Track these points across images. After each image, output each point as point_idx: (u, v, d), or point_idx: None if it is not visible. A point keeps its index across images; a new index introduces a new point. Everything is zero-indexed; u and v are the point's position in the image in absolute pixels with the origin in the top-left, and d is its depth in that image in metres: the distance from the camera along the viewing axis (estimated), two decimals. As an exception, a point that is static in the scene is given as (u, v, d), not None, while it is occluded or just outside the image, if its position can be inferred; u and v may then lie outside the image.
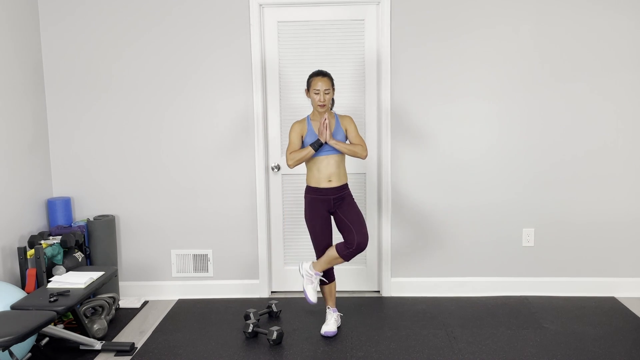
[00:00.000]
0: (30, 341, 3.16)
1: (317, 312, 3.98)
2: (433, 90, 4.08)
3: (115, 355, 3.40)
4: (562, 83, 4.05)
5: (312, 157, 3.50)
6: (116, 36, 4.09)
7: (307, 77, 3.56)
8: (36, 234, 3.87)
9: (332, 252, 3.53)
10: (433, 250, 4.26)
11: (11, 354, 2.76)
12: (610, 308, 3.99)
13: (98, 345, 3.44)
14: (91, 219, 4.15)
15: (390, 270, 4.26)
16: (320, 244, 3.60)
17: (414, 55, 4.05)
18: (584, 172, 4.13)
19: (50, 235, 3.82)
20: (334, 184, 3.52)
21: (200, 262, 4.32)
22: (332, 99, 3.58)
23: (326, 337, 3.59)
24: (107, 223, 4.09)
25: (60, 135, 4.19)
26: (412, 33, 4.03)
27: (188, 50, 4.09)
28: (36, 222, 3.98)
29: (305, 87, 3.56)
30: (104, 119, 4.17)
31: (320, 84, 3.45)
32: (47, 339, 3.46)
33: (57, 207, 4.02)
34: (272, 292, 4.41)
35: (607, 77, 4.04)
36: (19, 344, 3.02)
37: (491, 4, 3.99)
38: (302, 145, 3.52)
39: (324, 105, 3.47)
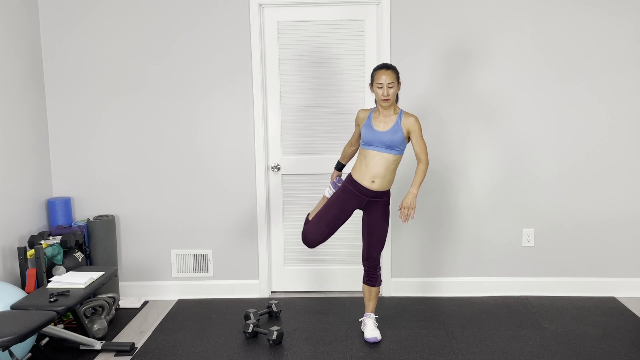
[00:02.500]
0: (30, 341, 3.16)
1: (317, 312, 3.98)
2: (433, 91, 4.08)
3: (115, 355, 3.40)
4: (562, 84, 4.05)
5: (363, 147, 3.37)
6: (116, 37, 4.09)
7: (372, 70, 3.40)
8: (36, 234, 3.87)
9: (364, 290, 3.60)
10: (433, 250, 4.26)
11: (11, 354, 2.76)
12: (610, 308, 3.99)
13: (98, 345, 3.44)
14: (91, 219, 4.15)
15: (390, 270, 4.26)
16: (319, 228, 3.40)
17: (414, 55, 4.05)
18: (584, 172, 4.13)
19: (50, 235, 3.82)
20: (376, 187, 3.36)
21: (200, 262, 4.32)
22: (397, 94, 3.36)
23: (327, 338, 3.58)
24: (107, 223, 4.09)
25: (60, 135, 4.19)
26: (412, 33, 4.03)
27: (188, 51, 4.09)
28: (36, 222, 3.98)
29: (369, 81, 3.39)
30: (104, 119, 4.17)
31: (384, 77, 3.25)
32: (47, 339, 3.46)
33: (57, 207, 4.02)
34: (272, 292, 4.41)
35: (606, 79, 4.04)
36: (19, 344, 3.02)
37: (492, 6, 3.99)
38: (361, 133, 3.36)
39: (388, 99, 3.27)
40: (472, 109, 4.10)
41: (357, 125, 3.46)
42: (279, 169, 4.25)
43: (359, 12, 4.07)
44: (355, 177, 3.41)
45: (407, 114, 3.35)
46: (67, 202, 4.08)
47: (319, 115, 4.18)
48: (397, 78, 3.31)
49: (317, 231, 3.42)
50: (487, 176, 4.17)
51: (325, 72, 4.13)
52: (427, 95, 4.09)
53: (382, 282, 3.71)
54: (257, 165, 4.18)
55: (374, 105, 3.53)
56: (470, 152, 4.15)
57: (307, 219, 3.55)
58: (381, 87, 3.27)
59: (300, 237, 3.51)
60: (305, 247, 4.30)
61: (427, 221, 4.23)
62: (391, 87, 3.26)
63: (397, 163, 3.37)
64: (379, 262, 3.54)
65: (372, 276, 3.54)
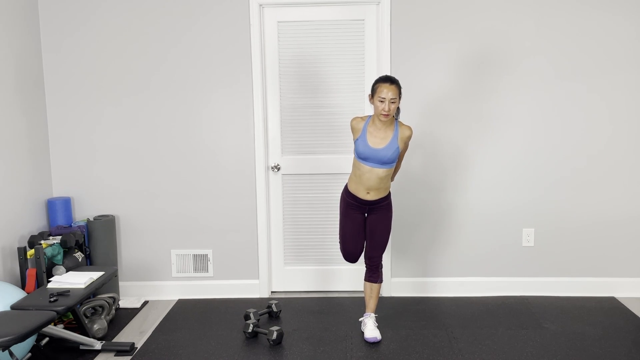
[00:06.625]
0: (30, 341, 3.16)
1: (317, 312, 3.98)
2: (433, 91, 4.08)
3: (115, 355, 3.40)
4: (563, 84, 4.05)
5: (357, 160, 3.35)
6: (116, 37, 4.09)
7: (373, 82, 3.30)
8: (36, 234, 3.87)
9: (365, 287, 3.60)
10: (433, 250, 4.26)
11: (11, 354, 2.76)
12: (610, 308, 3.99)
13: (98, 345, 3.44)
14: (91, 219, 4.15)
15: (390, 270, 4.26)
16: (348, 247, 3.52)
17: (414, 55, 4.05)
18: (584, 173, 4.13)
19: (50, 235, 3.82)
20: (372, 197, 3.39)
21: (200, 262, 4.32)
22: (398, 108, 3.30)
23: (327, 338, 3.58)
24: (107, 223, 4.09)
25: (60, 135, 4.19)
26: (412, 33, 4.03)
27: (188, 51, 4.09)
28: (36, 222, 3.98)
29: (369, 93, 3.30)
30: (103, 119, 4.17)
31: (386, 92, 3.16)
32: (47, 339, 3.46)
33: (57, 207, 4.02)
34: (272, 292, 4.41)
35: (606, 79, 4.04)
36: (19, 344, 3.02)
37: (492, 7, 3.99)
38: (356, 145, 3.34)
39: (388, 115, 3.20)
40: (472, 110, 4.10)
41: (353, 134, 3.41)
42: (279, 169, 4.25)
43: (359, 12, 4.07)
44: (351, 189, 3.44)
45: (402, 126, 3.34)
46: (67, 202, 4.08)
47: (319, 115, 4.18)
48: (400, 93, 3.24)
49: (349, 248, 3.54)
50: (487, 176, 4.17)
51: (325, 73, 4.13)
52: (427, 95, 4.09)
53: (383, 281, 3.72)
54: (257, 165, 4.18)
55: (367, 114, 3.51)
56: (471, 152, 4.15)
57: (339, 241, 3.63)
58: (383, 102, 3.19)
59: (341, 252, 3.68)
60: (305, 247, 4.33)
61: (427, 221, 4.23)
62: (393, 103, 3.20)
63: (391, 172, 3.39)
64: (381, 261, 3.56)
65: (374, 273, 3.55)
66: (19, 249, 3.57)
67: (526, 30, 4.01)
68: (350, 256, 3.58)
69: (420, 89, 4.08)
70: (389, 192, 3.49)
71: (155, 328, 3.79)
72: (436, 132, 4.13)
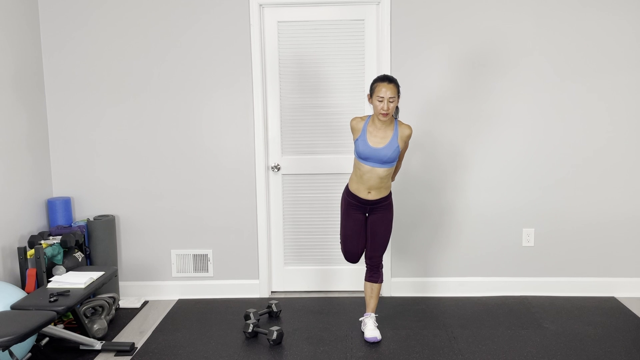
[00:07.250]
0: (30, 341, 3.16)
1: (317, 312, 3.98)
2: (434, 91, 4.08)
3: (115, 355, 3.40)
4: (562, 85, 4.05)
5: (358, 160, 3.36)
6: (116, 37, 4.09)
7: (372, 81, 3.32)
8: (36, 234, 3.87)
9: (365, 287, 3.60)
10: (433, 250, 4.26)
11: (11, 354, 2.76)
12: (610, 308, 3.99)
13: (98, 345, 3.44)
14: (91, 219, 4.15)
15: (390, 270, 4.26)
16: (349, 247, 3.52)
17: (414, 55, 4.05)
18: (584, 172, 4.13)
19: (50, 235, 3.82)
20: (373, 196, 3.40)
21: (200, 262, 4.32)
22: (397, 107, 3.31)
23: (327, 338, 3.58)
24: (107, 223, 4.09)
25: (60, 135, 4.19)
26: (412, 33, 4.03)
27: (188, 51, 4.09)
28: (36, 222, 3.98)
29: (368, 92, 3.32)
30: (104, 119, 4.17)
31: (384, 91, 3.18)
32: (47, 339, 3.47)
33: (57, 207, 4.02)
34: (272, 292, 4.41)
35: (606, 79, 4.04)
36: (19, 344, 3.02)
37: (492, 7, 3.99)
38: (356, 146, 3.35)
39: (387, 114, 3.21)
40: (472, 110, 4.10)
41: (353, 134, 3.42)
42: (279, 169, 4.25)
43: (359, 12, 4.07)
44: (352, 189, 3.45)
45: (402, 125, 3.34)
46: (67, 202, 4.08)
47: (319, 115, 4.18)
48: (398, 92, 3.25)
49: (350, 248, 3.54)
50: (487, 176, 4.17)
51: (325, 73, 4.13)
52: (427, 95, 4.09)
53: (383, 281, 3.72)
54: (257, 165, 4.18)
55: (367, 114, 3.52)
56: (471, 152, 4.15)
57: (340, 241, 3.63)
58: (381, 101, 3.20)
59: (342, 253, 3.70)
60: (305, 247, 4.33)
61: (427, 221, 4.23)
62: (392, 102, 3.21)
63: (391, 172, 3.39)
64: (382, 261, 3.56)
65: (374, 273, 3.55)
66: (19, 249, 3.57)
67: (526, 30, 4.01)
68: (351, 256, 3.58)
69: (420, 89, 4.08)
70: (390, 192, 3.49)
71: (155, 328, 3.79)
72: (436, 132, 4.13)
